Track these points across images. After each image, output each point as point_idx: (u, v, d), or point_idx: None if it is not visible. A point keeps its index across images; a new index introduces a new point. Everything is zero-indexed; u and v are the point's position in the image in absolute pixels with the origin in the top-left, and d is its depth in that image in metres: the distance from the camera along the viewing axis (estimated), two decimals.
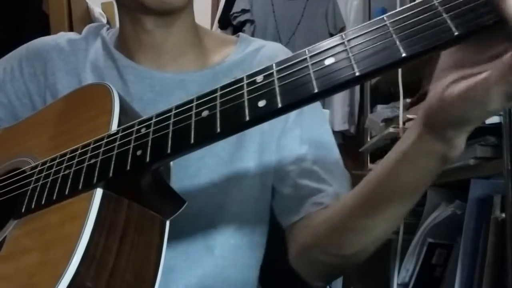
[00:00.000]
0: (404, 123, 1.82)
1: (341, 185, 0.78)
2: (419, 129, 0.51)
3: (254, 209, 0.80)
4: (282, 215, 0.79)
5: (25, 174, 0.65)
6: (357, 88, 2.76)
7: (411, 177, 0.53)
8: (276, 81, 0.47)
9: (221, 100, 0.50)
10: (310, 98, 0.45)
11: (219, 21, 2.79)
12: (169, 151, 0.51)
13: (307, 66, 0.46)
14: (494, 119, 1.26)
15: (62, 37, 0.87)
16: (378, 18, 0.44)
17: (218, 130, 0.49)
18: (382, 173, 0.57)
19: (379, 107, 2.22)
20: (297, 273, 0.77)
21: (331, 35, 2.62)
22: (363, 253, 0.67)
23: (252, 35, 1.96)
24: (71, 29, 1.76)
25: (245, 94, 0.48)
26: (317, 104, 0.85)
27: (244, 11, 2.73)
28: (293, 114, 0.80)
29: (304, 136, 0.80)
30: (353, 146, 2.53)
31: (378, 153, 2.26)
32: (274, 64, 0.48)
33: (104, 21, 2.07)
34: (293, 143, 0.79)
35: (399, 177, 0.54)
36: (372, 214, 0.60)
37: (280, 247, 0.82)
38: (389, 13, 0.44)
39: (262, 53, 0.84)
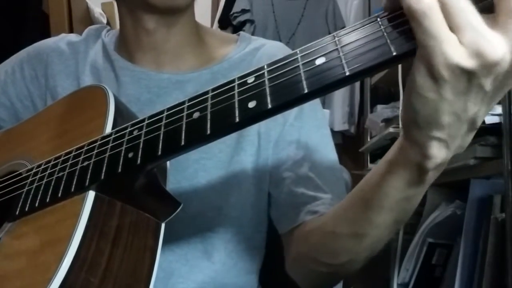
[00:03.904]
0: None
1: (337, 191, 0.77)
2: (400, 137, 0.50)
3: (252, 214, 0.80)
4: (278, 222, 0.78)
5: (20, 177, 0.65)
6: (357, 88, 2.76)
7: (394, 187, 0.52)
8: (266, 82, 0.47)
9: (212, 101, 0.50)
10: (301, 99, 0.45)
11: (219, 21, 2.79)
12: (159, 152, 0.51)
13: (298, 66, 0.45)
14: (494, 119, 1.26)
15: (62, 40, 0.87)
16: (371, 17, 0.44)
17: (209, 131, 0.48)
18: (370, 181, 0.56)
19: (379, 107, 2.22)
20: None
21: None
22: (354, 263, 0.65)
23: (252, 35, 1.95)
24: (71, 29, 1.76)
25: (236, 95, 0.48)
26: (317, 106, 0.84)
27: (244, 11, 2.73)
28: (291, 117, 0.79)
29: (302, 140, 0.79)
30: (353, 146, 2.52)
31: (378, 153, 2.25)
32: (265, 65, 0.48)
33: (104, 21, 2.07)
34: (290, 148, 0.78)
35: (384, 185, 0.53)
36: (362, 221, 0.58)
37: (282, 252, 0.82)
38: (381, 12, 0.43)
39: (261, 52, 0.83)
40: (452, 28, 0.40)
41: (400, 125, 1.58)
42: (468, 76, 0.40)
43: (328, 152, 0.81)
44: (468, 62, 0.40)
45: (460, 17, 0.40)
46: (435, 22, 0.40)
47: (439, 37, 0.40)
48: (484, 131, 1.27)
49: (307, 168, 0.76)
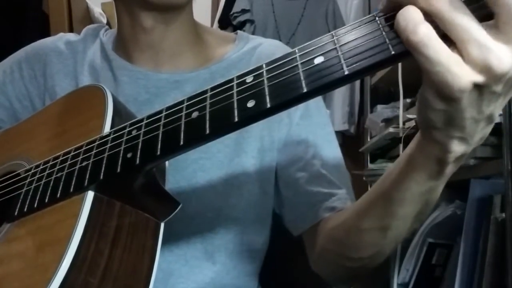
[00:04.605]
0: (404, 123, 1.82)
1: (348, 186, 0.78)
2: (418, 134, 0.51)
3: (254, 216, 0.80)
4: (293, 222, 0.78)
5: (19, 177, 0.65)
6: (357, 88, 2.76)
7: (415, 180, 0.53)
8: (265, 81, 0.46)
9: (211, 101, 0.50)
10: (299, 98, 0.44)
11: (219, 21, 2.79)
12: (158, 152, 0.51)
13: (296, 66, 0.45)
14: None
15: (61, 39, 0.87)
16: (369, 15, 0.44)
17: (208, 131, 0.48)
18: (391, 177, 0.56)
19: (379, 107, 2.21)
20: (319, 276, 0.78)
21: None
22: (380, 255, 0.65)
23: (252, 35, 1.93)
24: (71, 29, 1.76)
25: (235, 94, 0.48)
26: (320, 103, 0.85)
27: (244, 11, 2.72)
28: (297, 117, 0.80)
29: (310, 139, 0.79)
30: (353, 146, 2.52)
31: (378, 153, 2.25)
32: (264, 64, 0.48)
33: (104, 21, 2.07)
34: (300, 147, 0.79)
35: (405, 180, 0.53)
36: (386, 216, 0.59)
37: (282, 252, 0.82)
38: (379, 11, 0.43)
39: (259, 51, 0.84)
40: (457, 44, 0.40)
41: (401, 125, 1.58)
42: (479, 88, 0.41)
43: (334, 149, 0.81)
44: (476, 78, 0.40)
45: (464, 33, 0.39)
46: (437, 49, 0.39)
47: (444, 63, 0.40)
48: None
49: (319, 165, 0.77)
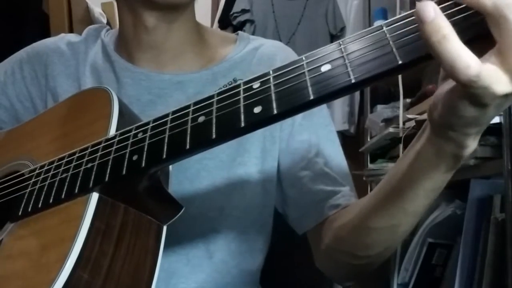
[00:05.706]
0: (404, 123, 1.82)
1: (351, 183, 0.78)
2: (428, 130, 0.51)
3: (256, 215, 0.80)
4: (297, 221, 0.79)
5: (23, 177, 0.65)
6: None
7: (430, 177, 0.53)
8: (272, 88, 0.47)
9: (218, 105, 0.50)
10: (306, 105, 0.45)
11: (219, 21, 2.79)
12: (164, 156, 0.51)
13: (303, 73, 0.45)
14: (494, 119, 1.26)
15: (62, 40, 0.87)
16: (376, 25, 0.44)
17: (214, 136, 0.49)
18: (400, 172, 0.56)
19: (379, 107, 2.22)
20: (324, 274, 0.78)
21: (331, 35, 2.62)
22: (388, 251, 0.66)
23: (252, 35, 1.92)
24: (71, 29, 1.76)
25: (241, 100, 0.48)
26: (322, 105, 0.85)
27: (244, 11, 2.73)
28: (299, 117, 0.80)
29: (313, 138, 0.80)
30: (353, 146, 2.52)
31: (378, 153, 2.25)
32: (271, 71, 0.48)
33: (104, 21, 2.07)
34: (303, 147, 0.79)
35: (419, 177, 0.54)
36: (397, 213, 0.59)
37: (283, 252, 0.82)
38: (387, 21, 0.44)
39: (260, 52, 0.84)
40: (502, 49, 0.39)
41: (401, 125, 1.57)
42: (507, 95, 0.41)
43: (336, 147, 0.82)
44: (510, 88, 0.40)
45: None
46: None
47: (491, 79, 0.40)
48: (484, 131, 1.26)
49: (322, 164, 0.77)
